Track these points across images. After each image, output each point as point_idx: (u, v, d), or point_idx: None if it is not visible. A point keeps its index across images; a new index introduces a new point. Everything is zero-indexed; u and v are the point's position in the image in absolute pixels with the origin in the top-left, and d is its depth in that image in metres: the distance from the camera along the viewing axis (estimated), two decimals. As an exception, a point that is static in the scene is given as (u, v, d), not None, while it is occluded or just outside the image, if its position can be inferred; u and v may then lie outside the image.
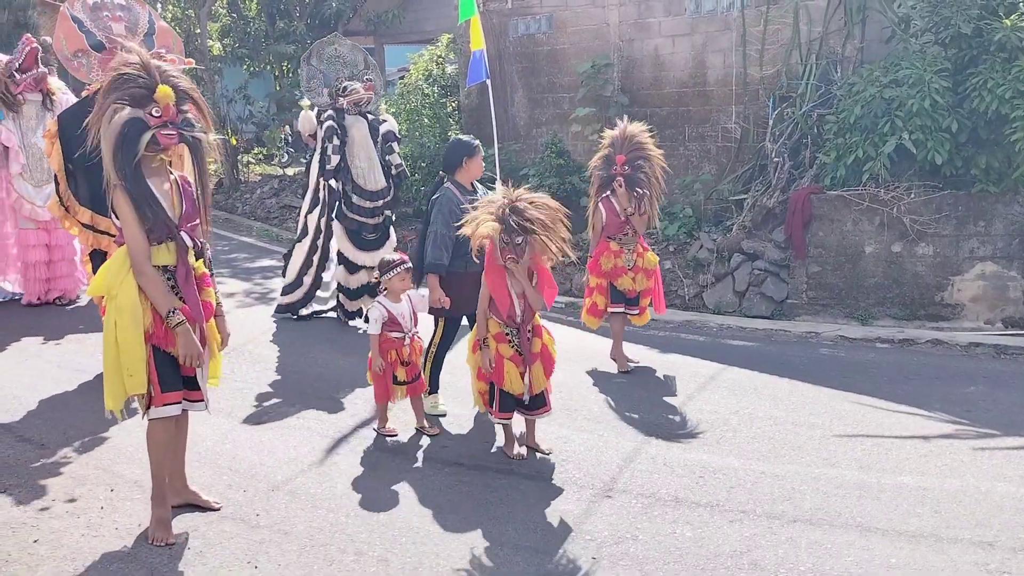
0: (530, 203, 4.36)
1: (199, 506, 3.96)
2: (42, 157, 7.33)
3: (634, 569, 3.49)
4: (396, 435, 4.89)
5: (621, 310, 6.09)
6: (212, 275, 3.91)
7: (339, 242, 7.08)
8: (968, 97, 7.13)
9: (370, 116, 7.10)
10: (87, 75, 5.87)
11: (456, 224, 4.70)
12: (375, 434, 4.94)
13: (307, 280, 7.33)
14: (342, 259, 7.10)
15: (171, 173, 3.69)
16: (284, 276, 7.51)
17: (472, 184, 5.26)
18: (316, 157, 7.14)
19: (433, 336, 5.24)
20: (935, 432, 4.92)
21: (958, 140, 7.20)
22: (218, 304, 3.91)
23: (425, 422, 4.99)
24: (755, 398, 5.50)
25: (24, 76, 7.40)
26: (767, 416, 5.17)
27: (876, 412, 5.26)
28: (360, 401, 5.44)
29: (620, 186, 5.93)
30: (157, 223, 3.53)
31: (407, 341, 4.85)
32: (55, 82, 7.84)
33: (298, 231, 7.49)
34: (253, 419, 5.18)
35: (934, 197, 7.27)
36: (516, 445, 4.63)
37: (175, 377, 3.63)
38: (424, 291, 5.06)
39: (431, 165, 10.79)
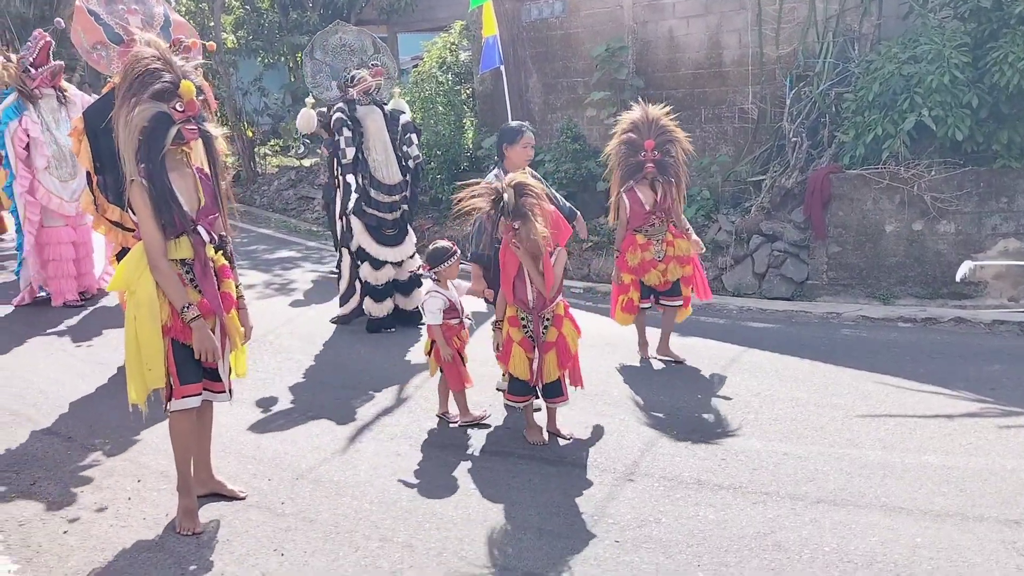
0: (525, 187, 4.31)
1: (225, 496, 4.00)
2: (67, 153, 7.39)
3: (657, 552, 3.49)
4: (488, 415, 4.93)
5: (649, 305, 5.84)
6: (233, 267, 3.91)
7: (359, 238, 6.78)
8: (988, 72, 7.04)
9: (387, 106, 6.84)
10: (107, 67, 5.85)
11: None
12: (396, 423, 4.96)
13: (359, 285, 6.96)
14: (364, 255, 6.81)
15: (190, 166, 3.70)
16: (338, 286, 7.18)
17: (525, 170, 4.92)
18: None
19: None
20: (959, 411, 4.89)
21: (979, 116, 7.11)
22: (240, 296, 3.91)
23: (450, 410, 4.98)
24: (776, 380, 5.48)
25: (39, 71, 7.37)
26: (789, 398, 5.15)
27: (899, 392, 5.23)
28: (381, 389, 5.46)
29: (651, 173, 5.65)
30: (173, 218, 3.53)
31: (466, 327, 4.90)
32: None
33: (339, 234, 7.16)
34: (276, 409, 5.22)
35: (955, 174, 7.20)
36: (537, 431, 4.63)
37: (195, 369, 3.64)
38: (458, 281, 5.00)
39: (446, 153, 10.80)
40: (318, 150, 12.02)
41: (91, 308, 7.63)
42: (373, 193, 6.65)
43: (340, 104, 6.66)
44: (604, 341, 6.27)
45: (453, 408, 4.96)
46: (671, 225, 5.77)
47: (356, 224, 6.75)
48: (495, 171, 5.16)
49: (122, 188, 5.25)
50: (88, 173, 5.60)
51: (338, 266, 7.27)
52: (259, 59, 16.41)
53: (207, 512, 3.87)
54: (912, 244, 7.38)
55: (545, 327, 4.53)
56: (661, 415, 4.95)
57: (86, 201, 5.78)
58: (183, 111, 3.53)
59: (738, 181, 8.97)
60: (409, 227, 7.02)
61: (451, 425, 4.91)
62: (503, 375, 4.89)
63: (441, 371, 4.87)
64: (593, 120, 10.35)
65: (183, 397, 3.63)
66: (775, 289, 7.81)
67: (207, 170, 3.77)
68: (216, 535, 3.69)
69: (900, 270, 7.43)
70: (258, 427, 4.92)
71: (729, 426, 4.78)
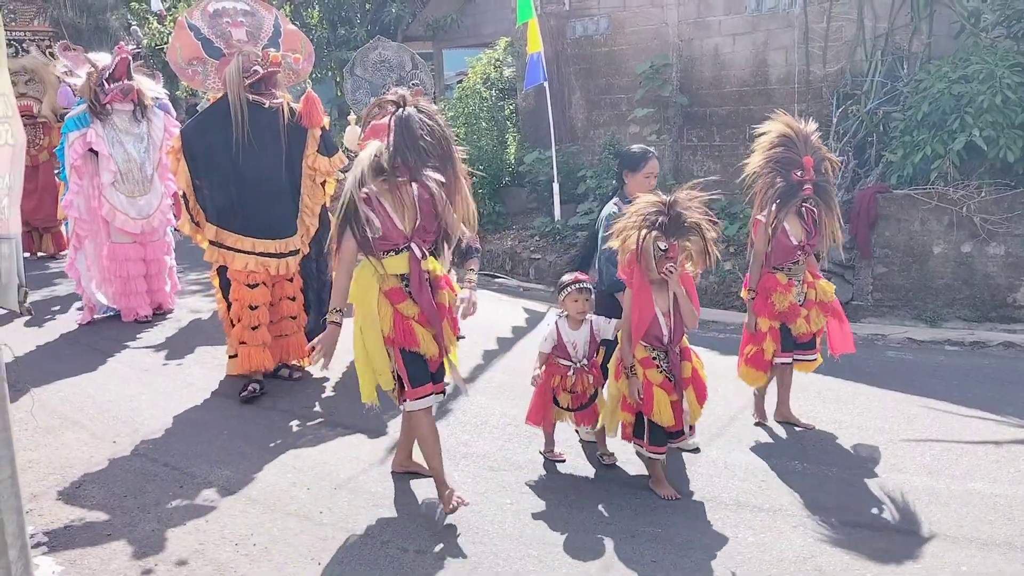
0: (690, 202, 3.93)
1: (422, 474, 4.26)
2: (137, 169, 7.30)
3: (694, 571, 3.45)
4: (563, 459, 4.57)
5: (789, 360, 4.92)
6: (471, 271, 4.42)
7: None
8: (1042, 92, 6.91)
9: None
10: (202, 83, 5.72)
11: None
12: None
13: None
14: None
15: (411, 186, 3.78)
16: None
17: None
18: None
19: None
20: (1007, 437, 4.77)
21: (1031, 136, 6.97)
22: (451, 304, 4.06)
23: (607, 449, 4.59)
24: (819, 402, 5.40)
25: (112, 87, 7.17)
26: (831, 420, 5.07)
27: (945, 416, 5.12)
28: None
29: (808, 197, 4.75)
30: (367, 237, 3.70)
31: (571, 372, 4.34)
32: (152, 88, 7.65)
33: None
34: (314, 419, 5.26)
35: (1006, 195, 7.06)
36: (668, 485, 4.14)
37: (423, 373, 3.89)
38: (599, 319, 4.42)
39: (487, 168, 10.84)
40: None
41: (157, 324, 7.49)
42: None
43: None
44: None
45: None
46: (809, 263, 4.97)
47: None
48: (614, 199, 4.77)
49: (222, 207, 5.42)
50: (184, 194, 5.50)
51: None
52: (308, 74, 16.66)
53: (246, 520, 3.92)
54: (960, 266, 7.24)
55: (679, 362, 4.12)
56: (701, 434, 4.90)
57: (183, 221, 5.65)
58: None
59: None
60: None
61: (604, 463, 4.54)
62: (594, 425, 4.48)
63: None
64: (636, 137, 10.33)
65: (416, 398, 3.87)
66: (819, 309, 7.70)
67: (432, 189, 3.78)
68: (255, 542, 3.73)
69: (948, 292, 7.29)
70: (297, 437, 4.97)
71: (769, 447, 4.72)
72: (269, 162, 5.47)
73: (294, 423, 5.17)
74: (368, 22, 16.19)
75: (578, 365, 4.33)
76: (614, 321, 4.34)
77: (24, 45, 11.25)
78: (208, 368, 6.21)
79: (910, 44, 8.25)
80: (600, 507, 4.04)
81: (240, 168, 5.36)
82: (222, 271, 5.60)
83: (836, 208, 4.85)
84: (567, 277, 4.43)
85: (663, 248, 3.88)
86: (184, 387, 5.80)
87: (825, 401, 5.41)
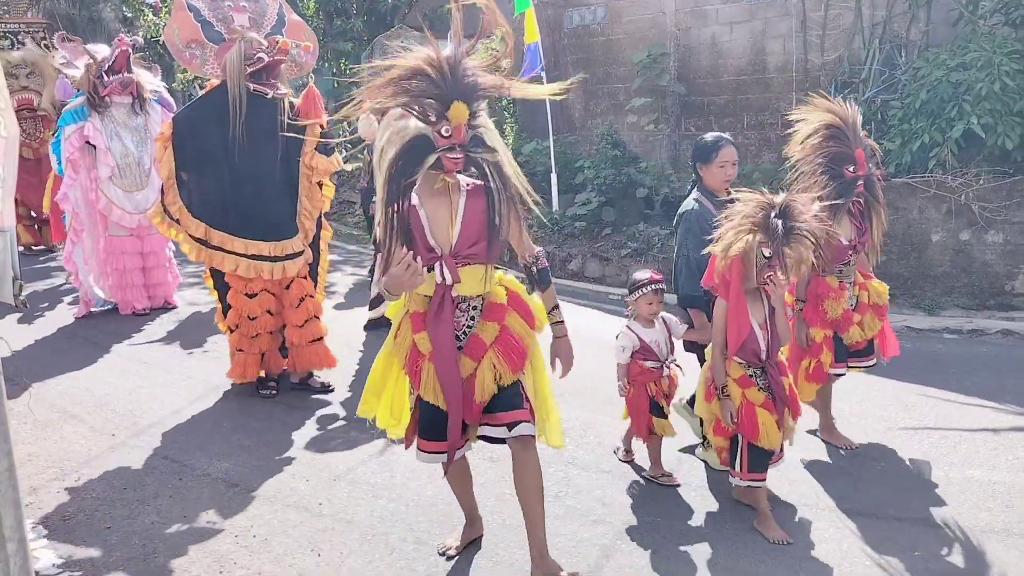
0: (804, 207, 3.53)
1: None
2: (135, 163, 7.22)
3: (693, 559, 3.46)
4: (678, 484, 4.14)
5: (844, 371, 4.47)
6: (539, 292, 3.32)
7: None
8: (1040, 79, 6.90)
9: None
10: (200, 68, 5.34)
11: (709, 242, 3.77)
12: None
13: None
14: None
15: (453, 194, 3.09)
16: (371, 290, 6.85)
17: (729, 191, 4.06)
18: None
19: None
20: (1006, 424, 4.78)
21: (1030, 124, 6.97)
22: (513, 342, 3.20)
23: (663, 469, 4.20)
24: (817, 390, 5.40)
25: (111, 79, 7.08)
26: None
27: (944, 404, 5.13)
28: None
29: (861, 194, 4.30)
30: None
31: (665, 371, 4.06)
32: (151, 82, 7.56)
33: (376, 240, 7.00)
34: (314, 410, 5.26)
35: (1004, 183, 7.05)
36: (777, 527, 3.66)
37: (434, 424, 3.18)
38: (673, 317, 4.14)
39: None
40: (359, 157, 12.10)
41: (156, 318, 7.43)
42: None
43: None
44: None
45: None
46: (860, 262, 4.54)
47: None
48: (694, 194, 4.32)
49: (211, 202, 5.07)
50: (163, 185, 5.20)
51: (371, 272, 7.12)
52: (303, 65, 16.60)
53: (246, 511, 3.92)
54: (959, 254, 7.24)
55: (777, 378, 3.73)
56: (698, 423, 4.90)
57: (152, 211, 5.34)
58: (448, 137, 2.92)
59: (781, 189, 8.87)
60: None
61: (662, 484, 4.17)
62: (702, 445, 4.25)
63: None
64: (634, 126, 10.32)
65: (420, 451, 3.26)
66: (817, 298, 7.71)
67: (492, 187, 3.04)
68: (254, 534, 3.73)
69: (946, 280, 7.29)
70: (296, 428, 4.96)
71: (768, 436, 4.72)
72: (266, 158, 5.14)
73: (293, 415, 5.16)
74: (365, 12, 16.13)
75: (668, 363, 4.07)
76: (675, 321, 4.10)
77: (19, 37, 11.21)
78: (207, 361, 6.20)
79: (908, 32, 8.24)
80: (601, 499, 4.04)
81: (235, 162, 5.05)
82: (216, 272, 5.30)
83: (883, 200, 4.42)
84: (641, 275, 4.04)
85: (767, 256, 3.48)
86: (183, 380, 5.80)
87: (824, 390, 5.41)
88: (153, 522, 3.86)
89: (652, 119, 10.07)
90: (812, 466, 4.32)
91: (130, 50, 7.22)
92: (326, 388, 5.54)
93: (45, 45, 10.58)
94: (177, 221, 5.18)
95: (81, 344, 6.70)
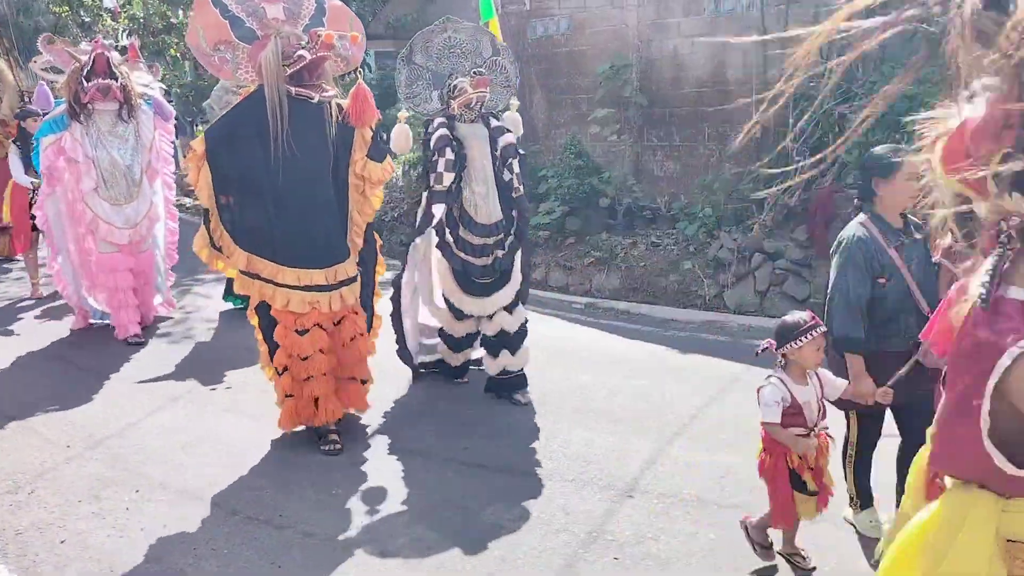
0: None
1: None
2: (122, 174, 6.65)
3: (656, 569, 3.48)
4: (813, 567, 3.50)
5: None
6: None
7: (443, 281, 5.50)
8: (992, 94, 7.07)
9: (493, 122, 5.40)
10: (231, 73, 4.61)
11: (876, 277, 3.43)
12: (401, 437, 4.93)
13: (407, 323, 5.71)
14: (447, 300, 5.53)
15: None
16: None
17: (904, 217, 3.57)
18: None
19: (848, 434, 3.78)
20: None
21: (982, 137, 7.14)
22: None
23: (801, 550, 3.54)
24: (778, 398, 5.46)
25: (89, 85, 6.44)
26: (790, 416, 5.13)
27: (900, 412, 5.21)
28: (389, 406, 5.40)
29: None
30: None
31: (813, 439, 3.41)
32: (144, 84, 6.94)
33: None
34: (275, 419, 5.21)
35: (958, 195, 7.21)
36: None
37: None
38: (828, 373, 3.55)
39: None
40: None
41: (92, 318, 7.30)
42: (462, 233, 5.26)
43: (441, 119, 5.23)
44: (606, 357, 6.26)
45: None
46: None
47: (440, 266, 5.48)
48: (859, 218, 3.63)
49: (257, 227, 4.36)
50: (206, 210, 4.48)
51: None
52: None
53: (205, 524, 3.86)
54: (914, 264, 7.38)
55: None
56: (662, 433, 4.94)
57: (197, 241, 4.52)
58: None
59: (740, 199, 8.99)
60: (514, 274, 5.49)
61: (800, 568, 3.55)
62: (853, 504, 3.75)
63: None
64: (597, 137, 10.38)
65: None
66: (777, 307, 7.80)
67: None
68: (213, 547, 3.68)
69: (902, 290, 7.43)
70: (257, 438, 4.90)
71: (730, 444, 4.76)
72: (314, 171, 4.48)
73: (254, 425, 5.10)
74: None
75: (818, 430, 3.41)
76: (844, 382, 3.49)
77: None
78: (166, 370, 6.11)
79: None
80: (564, 509, 4.05)
81: (279, 180, 4.35)
82: (262, 308, 4.60)
83: None
84: (802, 316, 3.40)
85: None
86: (140, 391, 5.71)
87: (784, 398, 5.47)
88: (108, 535, 3.79)
89: (615, 129, 10.14)
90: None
91: (108, 53, 6.58)
92: (333, 450, 4.68)
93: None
94: (220, 249, 4.49)
95: (37, 354, 6.57)
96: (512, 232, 5.35)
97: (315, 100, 4.41)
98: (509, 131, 5.40)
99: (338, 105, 4.59)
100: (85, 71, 6.49)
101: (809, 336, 3.32)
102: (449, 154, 5.04)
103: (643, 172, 10.00)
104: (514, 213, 5.35)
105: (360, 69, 4.86)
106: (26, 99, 9.38)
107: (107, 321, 7.04)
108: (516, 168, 5.31)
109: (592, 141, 10.44)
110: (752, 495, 4.11)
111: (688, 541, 3.70)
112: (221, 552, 3.64)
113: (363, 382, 4.90)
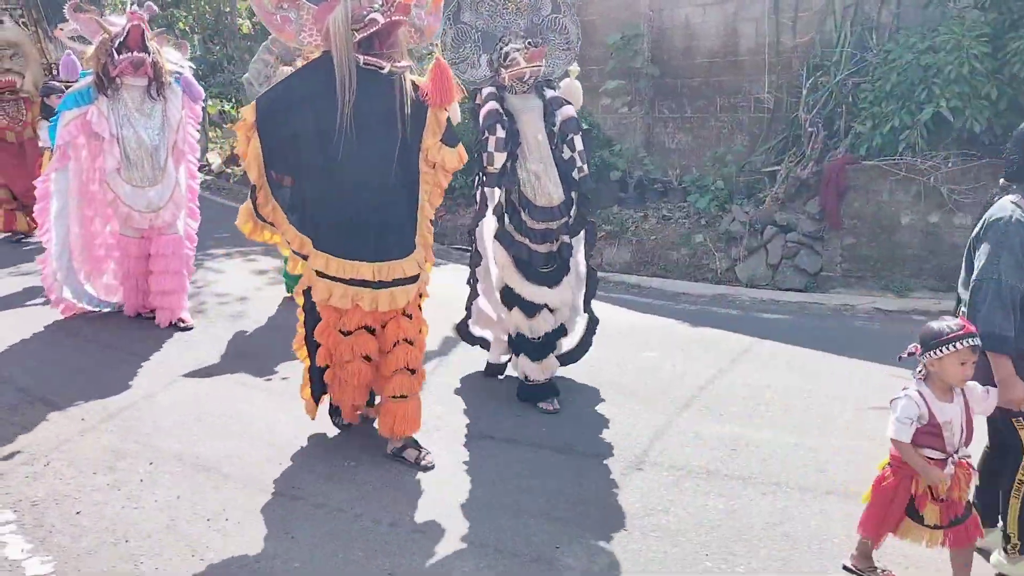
0: None
1: None
2: (148, 154, 6.20)
3: (665, 540, 3.50)
4: None
5: None
6: None
7: (505, 274, 4.91)
8: (1008, 63, 6.98)
9: (549, 92, 4.86)
10: (293, 35, 4.08)
11: None
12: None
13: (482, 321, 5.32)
14: (513, 298, 4.91)
15: None
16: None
17: None
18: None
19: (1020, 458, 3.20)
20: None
21: (998, 107, 7.05)
22: None
23: (879, 568, 3.23)
24: (788, 371, 5.46)
25: (121, 58, 6.02)
26: (800, 389, 5.14)
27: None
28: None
29: None
30: None
31: (950, 467, 2.95)
32: (175, 61, 6.54)
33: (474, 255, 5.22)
34: (288, 393, 5.24)
35: (972, 166, 7.14)
36: None
37: None
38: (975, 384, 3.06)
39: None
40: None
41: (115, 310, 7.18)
42: (524, 217, 4.75)
43: (491, 89, 4.72)
44: (617, 330, 6.26)
45: None
46: None
47: (501, 255, 4.90)
48: (1012, 197, 3.24)
49: (304, 207, 3.91)
50: (253, 184, 3.99)
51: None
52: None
53: (218, 495, 3.90)
54: (928, 236, 7.33)
55: None
56: (672, 405, 4.95)
57: (243, 213, 4.07)
58: None
59: (752, 171, 8.93)
60: (575, 262, 5.10)
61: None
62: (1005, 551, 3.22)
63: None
64: (608, 109, 10.31)
65: None
66: (788, 280, 7.78)
67: None
68: (227, 517, 3.72)
69: (915, 262, 7.38)
70: (269, 411, 4.94)
71: (740, 416, 4.77)
72: (380, 153, 3.93)
73: (268, 400, 5.14)
74: None
75: (957, 457, 2.96)
76: (979, 388, 3.02)
77: None
78: (179, 345, 6.14)
79: (879, 15, 8.30)
80: (574, 480, 4.07)
81: (339, 159, 3.83)
82: (309, 294, 4.16)
83: None
84: (948, 324, 2.95)
85: None
86: (155, 364, 5.74)
87: (794, 370, 5.48)
88: (123, 506, 3.83)
89: (626, 101, 10.07)
90: (777, 446, 4.36)
91: (144, 25, 6.17)
92: (424, 466, 4.21)
93: (24, 24, 10.23)
94: (271, 224, 4.06)
95: (49, 328, 6.60)
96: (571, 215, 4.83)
97: (385, 71, 3.85)
98: (568, 103, 4.82)
99: (412, 81, 4.02)
100: (117, 43, 6.07)
101: (953, 347, 2.87)
102: (500, 131, 4.54)
103: (654, 144, 9.94)
104: (573, 195, 4.81)
105: (436, 43, 4.42)
106: (54, 71, 9.26)
107: (103, 309, 6.81)
108: (578, 145, 4.75)
109: (603, 113, 10.37)
110: (763, 466, 4.13)
111: (698, 513, 3.71)
112: (234, 522, 3.68)
113: (402, 397, 4.20)
